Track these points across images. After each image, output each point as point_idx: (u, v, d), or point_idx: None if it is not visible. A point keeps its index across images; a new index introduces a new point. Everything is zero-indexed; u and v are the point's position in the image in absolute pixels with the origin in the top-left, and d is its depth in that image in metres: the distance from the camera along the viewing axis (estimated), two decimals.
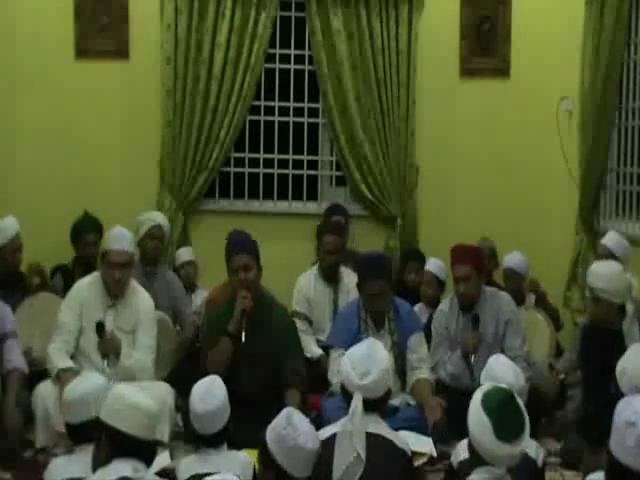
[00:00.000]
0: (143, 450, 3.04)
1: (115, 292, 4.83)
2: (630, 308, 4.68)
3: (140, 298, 4.92)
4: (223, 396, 3.56)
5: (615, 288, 4.53)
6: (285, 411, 2.89)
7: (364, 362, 3.45)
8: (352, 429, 3.33)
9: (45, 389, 4.60)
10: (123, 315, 4.82)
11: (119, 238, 4.84)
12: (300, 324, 5.58)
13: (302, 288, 5.75)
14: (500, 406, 2.82)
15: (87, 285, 4.87)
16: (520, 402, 2.89)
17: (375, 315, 4.89)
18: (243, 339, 4.55)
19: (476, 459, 2.87)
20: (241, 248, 4.72)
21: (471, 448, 2.90)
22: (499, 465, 2.81)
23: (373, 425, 3.45)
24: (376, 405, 3.48)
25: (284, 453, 2.78)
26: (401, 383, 4.90)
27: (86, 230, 5.96)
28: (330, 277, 5.74)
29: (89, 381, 3.63)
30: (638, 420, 2.41)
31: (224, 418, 3.58)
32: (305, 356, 5.32)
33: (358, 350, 3.52)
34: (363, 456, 3.25)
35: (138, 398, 3.10)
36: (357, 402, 3.36)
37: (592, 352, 4.66)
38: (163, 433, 4.51)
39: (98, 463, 3.09)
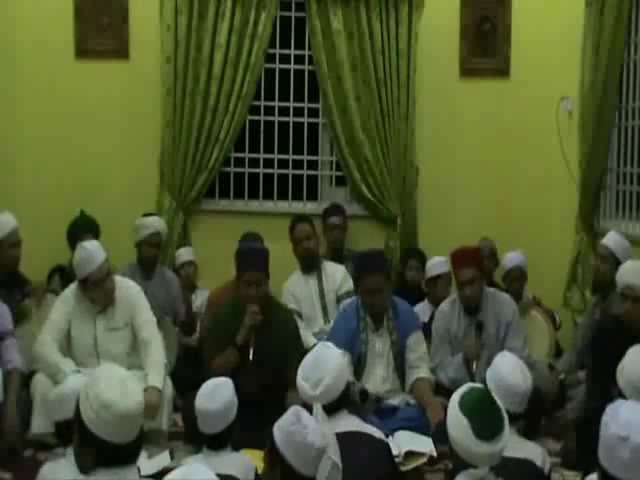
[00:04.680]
0: (128, 451, 2.58)
1: (109, 302, 4.77)
2: None
3: (121, 287, 4.83)
4: (230, 397, 3.58)
5: None
6: (293, 409, 2.87)
7: (313, 372, 3.49)
8: None
9: (45, 377, 4.59)
10: (114, 315, 4.78)
11: (90, 258, 4.66)
12: None
13: (288, 287, 5.76)
14: (477, 405, 2.81)
15: (72, 296, 4.79)
16: (498, 400, 2.88)
17: (374, 314, 4.89)
18: (251, 356, 4.60)
19: (457, 462, 2.87)
20: (253, 265, 4.73)
21: (451, 451, 2.89)
22: (480, 465, 2.80)
23: (345, 423, 3.47)
24: (340, 404, 3.51)
25: (292, 449, 2.75)
26: (400, 382, 4.90)
27: (82, 231, 5.86)
28: (310, 266, 5.74)
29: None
30: (631, 433, 2.37)
31: (229, 419, 3.58)
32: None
33: (306, 361, 3.55)
34: (339, 462, 3.25)
35: (122, 406, 2.51)
36: (317, 412, 3.35)
37: (612, 353, 4.56)
38: (162, 422, 4.58)
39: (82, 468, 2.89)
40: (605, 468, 2.44)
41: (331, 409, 3.46)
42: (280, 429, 2.80)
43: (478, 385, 2.98)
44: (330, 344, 3.66)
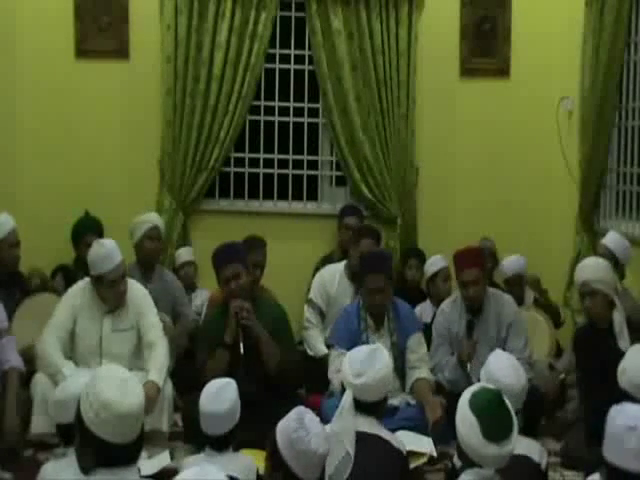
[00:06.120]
0: (128, 451, 2.65)
1: (120, 303, 4.77)
2: (618, 303, 4.66)
3: (131, 289, 4.83)
4: (234, 398, 3.57)
5: (609, 279, 4.56)
6: (296, 412, 2.82)
7: (361, 364, 3.49)
8: (340, 425, 3.34)
9: (45, 377, 4.59)
10: (121, 317, 4.79)
11: (106, 257, 4.67)
12: (312, 316, 5.59)
13: (324, 282, 5.70)
14: (487, 406, 2.81)
15: (81, 292, 4.80)
16: (508, 403, 2.88)
17: (375, 314, 4.89)
18: (242, 351, 4.58)
19: (465, 460, 2.87)
20: (228, 260, 4.73)
21: (459, 449, 2.89)
22: (487, 466, 2.80)
23: (370, 426, 3.46)
24: (371, 408, 3.50)
25: (295, 456, 2.71)
26: (400, 383, 4.90)
27: (86, 231, 5.90)
28: (355, 279, 5.67)
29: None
30: (638, 423, 2.46)
31: (233, 420, 3.57)
32: (307, 353, 5.37)
33: (360, 351, 3.57)
34: (352, 453, 3.25)
35: (122, 406, 2.53)
36: (347, 398, 3.40)
37: (586, 354, 4.65)
38: (162, 422, 4.59)
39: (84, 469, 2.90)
40: (613, 463, 2.49)
41: (362, 408, 3.47)
42: (282, 435, 2.74)
43: (490, 386, 2.98)
44: (385, 350, 3.66)
